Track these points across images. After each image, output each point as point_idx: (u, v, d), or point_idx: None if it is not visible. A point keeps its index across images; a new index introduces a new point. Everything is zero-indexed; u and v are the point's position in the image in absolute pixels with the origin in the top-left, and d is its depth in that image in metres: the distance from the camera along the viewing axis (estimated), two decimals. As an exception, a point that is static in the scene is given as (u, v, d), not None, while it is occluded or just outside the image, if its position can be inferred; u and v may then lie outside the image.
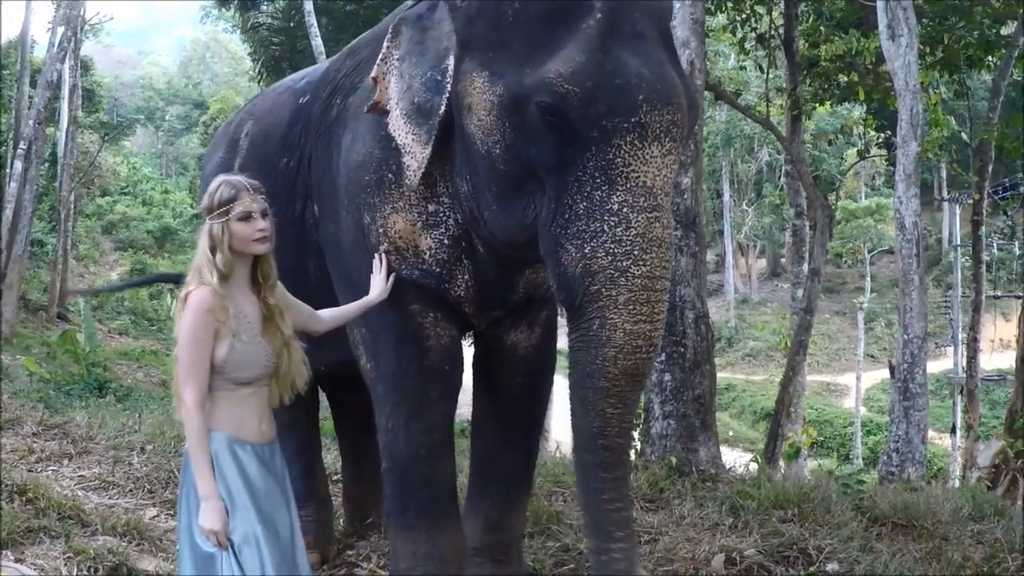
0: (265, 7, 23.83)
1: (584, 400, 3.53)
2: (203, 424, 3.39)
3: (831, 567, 5.50)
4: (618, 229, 3.44)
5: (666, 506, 6.38)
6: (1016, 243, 33.48)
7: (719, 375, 9.77)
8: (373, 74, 4.04)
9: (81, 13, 26.88)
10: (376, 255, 4.20)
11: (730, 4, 16.58)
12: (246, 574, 3.33)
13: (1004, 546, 5.83)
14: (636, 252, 3.44)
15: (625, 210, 3.45)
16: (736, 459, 9.34)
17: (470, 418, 4.84)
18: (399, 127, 3.96)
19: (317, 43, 17.94)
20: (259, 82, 23.41)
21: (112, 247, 44.36)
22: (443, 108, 3.83)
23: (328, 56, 14.86)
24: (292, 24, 21.88)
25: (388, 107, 4.00)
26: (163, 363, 22.18)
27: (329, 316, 4.12)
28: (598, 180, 3.47)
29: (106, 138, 37.33)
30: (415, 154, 3.93)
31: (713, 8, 16.29)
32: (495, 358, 4.67)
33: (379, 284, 4.16)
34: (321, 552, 5.52)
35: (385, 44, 4.05)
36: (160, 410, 10.49)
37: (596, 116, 3.43)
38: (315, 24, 18.17)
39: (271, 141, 5.01)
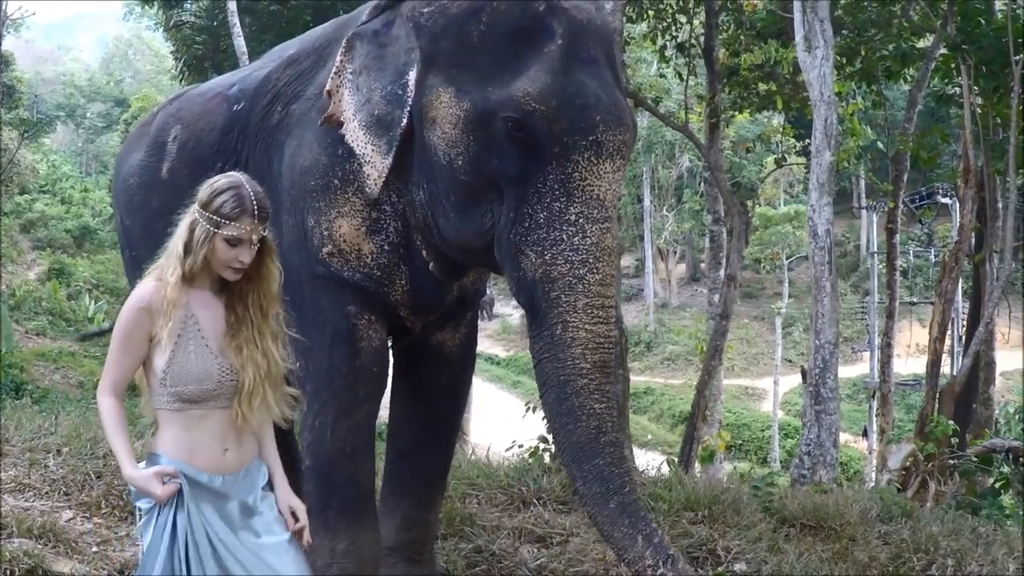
0: (188, 5, 23.63)
1: (572, 410, 3.71)
2: (114, 408, 3.10)
3: (739, 567, 5.60)
4: (575, 238, 3.70)
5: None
6: (932, 250, 34.06)
7: (638, 379, 9.89)
8: (327, 87, 4.14)
9: (3, 8, 26.51)
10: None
11: (651, 12, 16.83)
12: None
13: (910, 546, 5.96)
14: (591, 260, 3.72)
15: (581, 221, 3.71)
16: (651, 462, 9.45)
17: (388, 420, 4.91)
18: (358, 138, 4.09)
19: (240, 43, 17.81)
20: (181, 81, 23.18)
21: (30, 246, 43.44)
22: (404, 121, 4.00)
23: (251, 56, 14.83)
24: (215, 23, 21.70)
25: (342, 119, 4.12)
26: (81, 364, 21.90)
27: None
28: (557, 192, 3.72)
29: (26, 135, 36.60)
30: (375, 164, 4.08)
31: (635, 16, 16.52)
32: (420, 357, 4.80)
33: None
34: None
35: (338, 58, 4.15)
36: (77, 412, 10.34)
37: (558, 133, 3.68)
38: (238, 24, 18.02)
39: (203, 145, 4.96)
